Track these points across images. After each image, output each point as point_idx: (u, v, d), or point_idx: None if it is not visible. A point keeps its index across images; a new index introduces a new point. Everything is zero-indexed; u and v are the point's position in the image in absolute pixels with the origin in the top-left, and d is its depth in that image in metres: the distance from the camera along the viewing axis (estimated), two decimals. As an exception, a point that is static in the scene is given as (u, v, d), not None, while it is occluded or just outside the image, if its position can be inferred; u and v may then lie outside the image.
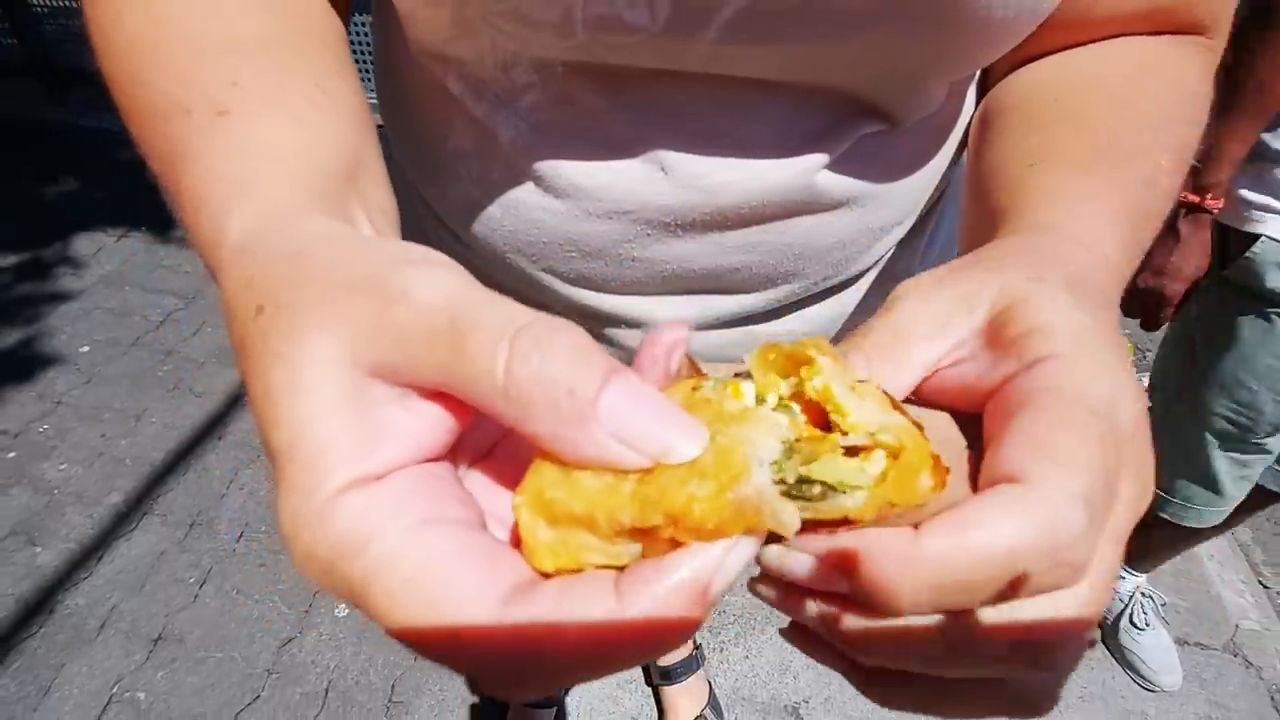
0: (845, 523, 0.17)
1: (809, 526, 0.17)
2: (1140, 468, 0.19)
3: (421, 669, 1.37)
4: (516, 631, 0.16)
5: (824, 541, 0.18)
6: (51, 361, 1.98)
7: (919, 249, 0.51)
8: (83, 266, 2.35)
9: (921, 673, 0.19)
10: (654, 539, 0.16)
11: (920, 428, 0.18)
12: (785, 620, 0.22)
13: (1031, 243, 0.25)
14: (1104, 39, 0.36)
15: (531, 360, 0.16)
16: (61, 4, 3.20)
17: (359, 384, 0.17)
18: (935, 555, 0.16)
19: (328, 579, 0.17)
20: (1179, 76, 0.34)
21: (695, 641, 1.38)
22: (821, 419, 0.18)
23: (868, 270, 0.47)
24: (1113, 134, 0.31)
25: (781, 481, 0.17)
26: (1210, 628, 1.50)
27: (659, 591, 0.16)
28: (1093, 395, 0.17)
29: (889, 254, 0.48)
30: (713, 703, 1.34)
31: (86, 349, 2.04)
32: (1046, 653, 0.18)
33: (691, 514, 0.16)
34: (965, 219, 0.36)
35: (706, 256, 0.41)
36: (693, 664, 1.34)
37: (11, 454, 1.72)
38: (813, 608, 0.19)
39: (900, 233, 0.46)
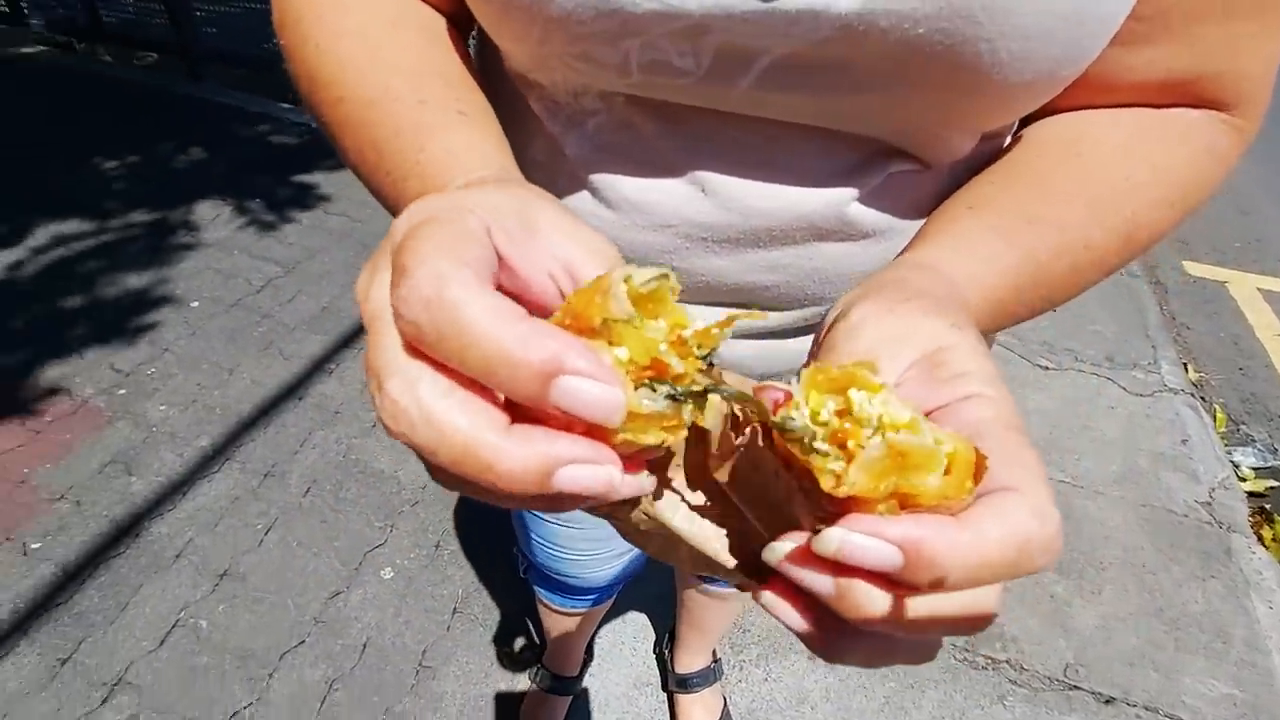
0: (849, 505, 0.20)
1: (846, 505, 0.20)
2: None
3: (452, 639, 1.44)
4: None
5: (877, 525, 0.19)
6: (165, 312, 2.19)
7: None
8: (200, 229, 2.58)
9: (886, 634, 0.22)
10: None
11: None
12: (802, 648, 0.24)
13: (934, 284, 0.30)
14: (1126, 104, 0.38)
15: None
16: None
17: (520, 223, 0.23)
18: (989, 540, 0.19)
19: (420, 219, 0.21)
20: (1165, 158, 0.37)
21: (715, 654, 1.39)
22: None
23: None
24: (1052, 204, 0.35)
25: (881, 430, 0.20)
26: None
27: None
28: (1016, 423, 0.23)
29: None
30: (726, 719, 1.35)
31: (196, 304, 2.23)
32: (977, 629, 0.21)
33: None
34: None
35: (738, 273, 0.44)
36: (710, 676, 1.35)
37: (122, 391, 1.91)
38: (825, 580, 0.20)
39: None
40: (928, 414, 0.23)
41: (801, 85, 0.34)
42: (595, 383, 0.18)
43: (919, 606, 0.20)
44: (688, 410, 0.20)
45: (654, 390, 0.20)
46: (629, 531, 0.33)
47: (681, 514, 0.28)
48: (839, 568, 0.20)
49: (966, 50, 0.31)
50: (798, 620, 0.23)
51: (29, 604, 1.43)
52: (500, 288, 0.22)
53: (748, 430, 0.26)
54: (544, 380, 0.17)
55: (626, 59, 0.35)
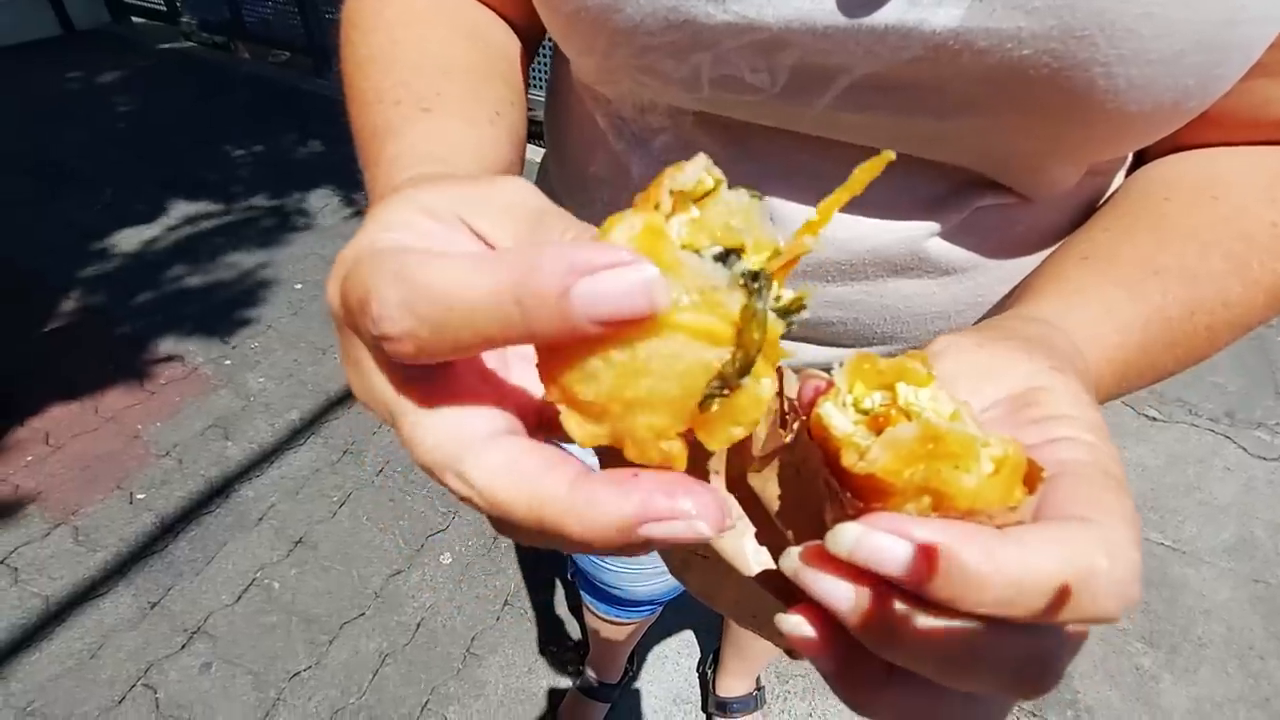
0: (876, 501, 0.18)
1: (871, 495, 0.18)
2: None
3: (500, 630, 1.47)
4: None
5: (901, 524, 0.17)
6: (272, 291, 2.35)
7: None
8: (311, 217, 2.76)
9: (921, 678, 0.19)
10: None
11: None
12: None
13: (1048, 335, 0.26)
14: (1265, 142, 0.34)
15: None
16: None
17: (446, 216, 0.21)
18: (1040, 562, 0.16)
19: (341, 277, 0.19)
20: None
21: (759, 682, 1.36)
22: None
23: None
24: (1185, 254, 0.31)
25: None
26: None
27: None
28: (1116, 472, 0.19)
29: None
30: (765, 748, 1.31)
31: (299, 286, 2.39)
32: (1033, 689, 0.18)
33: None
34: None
35: None
36: (751, 703, 1.32)
37: (228, 361, 2.06)
38: (849, 591, 0.18)
39: None
40: None
41: (884, 106, 0.32)
42: (616, 270, 0.14)
43: (956, 641, 0.17)
44: (735, 295, 0.16)
45: (700, 254, 0.16)
46: (674, 564, 0.32)
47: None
48: (863, 579, 0.17)
49: (1078, 75, 0.27)
50: (820, 650, 0.19)
51: (130, 549, 1.56)
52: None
53: (796, 425, 0.23)
54: (562, 297, 0.14)
55: (697, 73, 0.33)
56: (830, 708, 1.40)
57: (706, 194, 0.18)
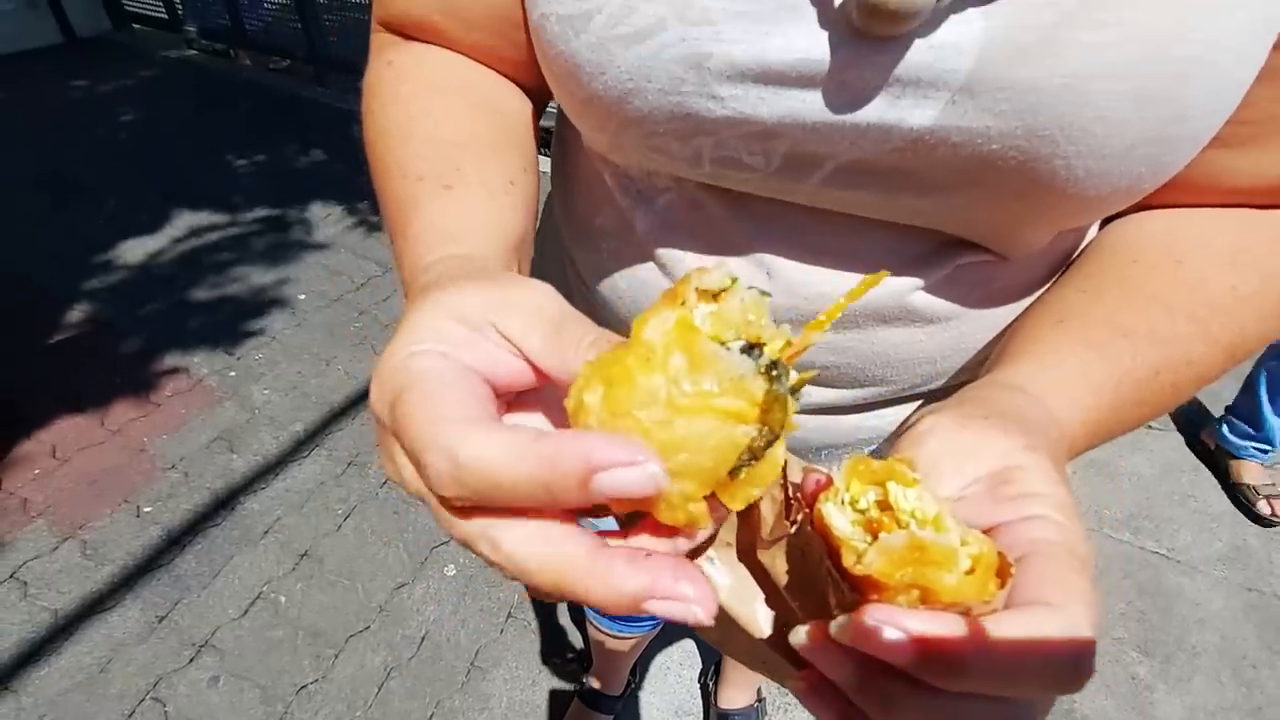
0: (871, 593, 0.21)
1: (867, 590, 0.21)
2: None
3: (504, 642, 1.49)
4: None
5: (895, 616, 0.19)
6: (275, 302, 2.37)
7: None
8: (314, 227, 2.78)
9: None
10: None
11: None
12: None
13: (1022, 408, 0.29)
14: (1226, 204, 0.36)
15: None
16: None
17: (476, 321, 0.23)
18: (1004, 645, 0.19)
19: (382, 391, 0.22)
20: (1271, 265, 0.35)
21: (760, 694, 1.37)
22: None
23: (957, 384, 0.48)
24: (1151, 317, 0.34)
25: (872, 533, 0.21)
26: None
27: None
28: (1082, 553, 0.22)
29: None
30: (765, 760, 1.33)
31: (303, 297, 2.41)
32: None
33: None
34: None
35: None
36: (752, 715, 1.34)
37: (232, 373, 2.08)
38: (850, 669, 0.21)
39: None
40: (987, 530, 0.24)
41: (868, 186, 0.35)
42: (628, 468, 0.18)
43: (944, 708, 0.20)
44: (759, 382, 0.19)
45: (727, 347, 0.20)
46: None
47: (726, 589, 0.29)
48: (863, 659, 0.20)
49: (1041, 166, 0.30)
50: (826, 714, 0.23)
51: (137, 562, 1.58)
52: (517, 394, 0.24)
53: (799, 516, 0.26)
54: (583, 486, 0.18)
55: (699, 154, 0.36)
56: (830, 718, 1.42)
57: (722, 290, 0.21)
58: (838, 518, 0.22)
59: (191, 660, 1.42)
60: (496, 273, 0.29)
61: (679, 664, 1.52)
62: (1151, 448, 2.05)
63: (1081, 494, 1.87)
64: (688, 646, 1.55)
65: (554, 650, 1.50)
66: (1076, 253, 0.45)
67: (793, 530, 0.26)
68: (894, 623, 0.19)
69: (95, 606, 1.49)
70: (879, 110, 0.30)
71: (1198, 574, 1.71)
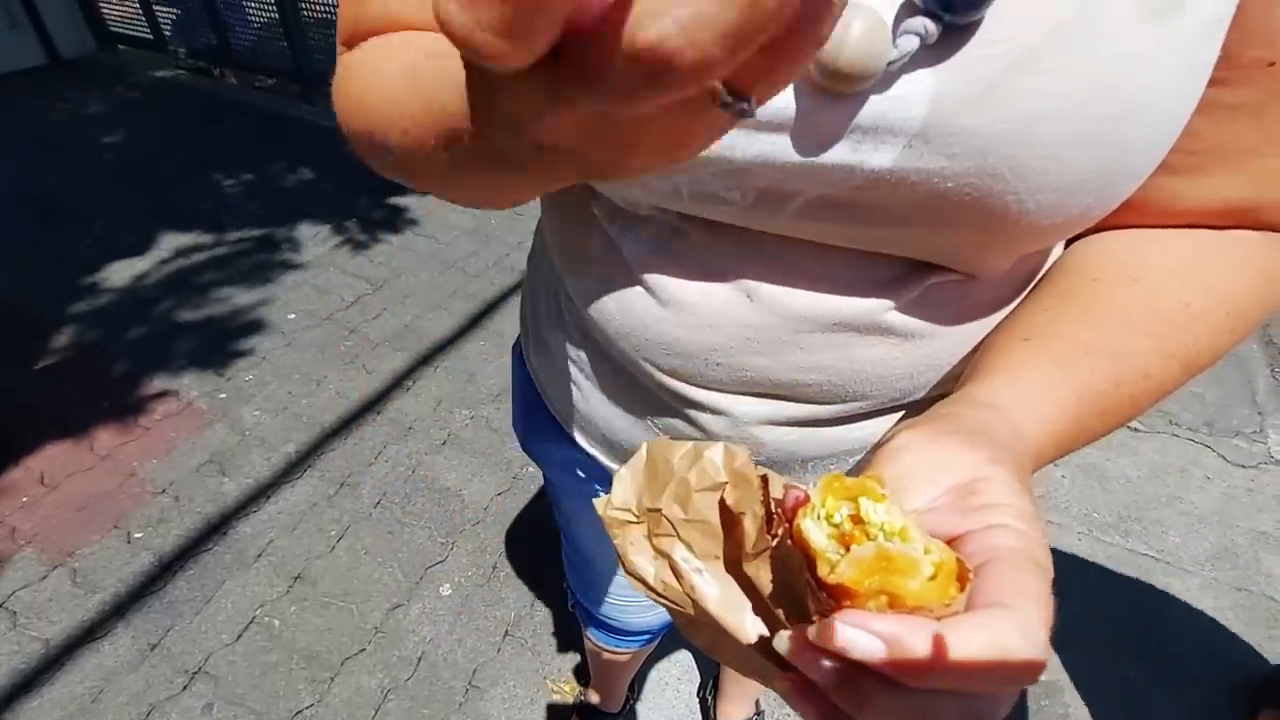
0: (844, 600, 0.23)
1: (840, 600, 0.23)
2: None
3: (502, 661, 1.49)
4: None
5: (865, 620, 0.22)
6: (265, 323, 2.36)
7: None
8: (302, 246, 2.77)
9: None
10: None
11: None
12: None
13: (989, 423, 0.31)
14: (1181, 226, 0.39)
15: None
16: (322, 16, 3.79)
17: None
18: (968, 645, 0.21)
19: None
20: (1225, 283, 0.37)
21: (758, 705, 1.38)
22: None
23: (934, 397, 0.50)
24: (1110, 333, 0.36)
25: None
26: None
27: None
28: (1040, 559, 0.24)
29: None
30: (765, 772, 1.33)
31: (293, 316, 2.40)
32: None
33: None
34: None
35: (781, 371, 0.46)
36: (751, 728, 1.34)
37: (222, 395, 2.07)
38: (829, 670, 0.23)
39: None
40: (951, 540, 0.26)
41: (837, 219, 0.37)
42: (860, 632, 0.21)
43: (914, 704, 0.22)
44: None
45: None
46: (682, 622, 0.37)
47: (715, 599, 0.32)
48: (840, 660, 0.22)
49: (994, 202, 0.32)
50: (810, 712, 0.24)
51: (129, 589, 1.57)
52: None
53: (780, 530, 0.28)
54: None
55: (678, 189, 0.38)
56: (828, 729, 1.42)
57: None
58: (815, 532, 0.24)
59: (185, 688, 1.41)
60: None
61: (677, 679, 1.52)
62: (1138, 449, 2.08)
63: (1071, 498, 1.90)
64: (686, 661, 1.55)
65: (552, 668, 1.50)
66: (1042, 271, 0.47)
67: (774, 544, 0.29)
68: (864, 626, 0.21)
69: (86, 635, 1.48)
70: (843, 153, 0.33)
71: (1187, 575, 1.73)
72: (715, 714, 1.37)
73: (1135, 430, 2.16)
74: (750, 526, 0.30)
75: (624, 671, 1.24)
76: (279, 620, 1.53)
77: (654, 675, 1.52)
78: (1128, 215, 0.38)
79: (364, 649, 1.49)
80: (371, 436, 1.97)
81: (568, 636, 1.55)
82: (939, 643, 0.21)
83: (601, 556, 0.83)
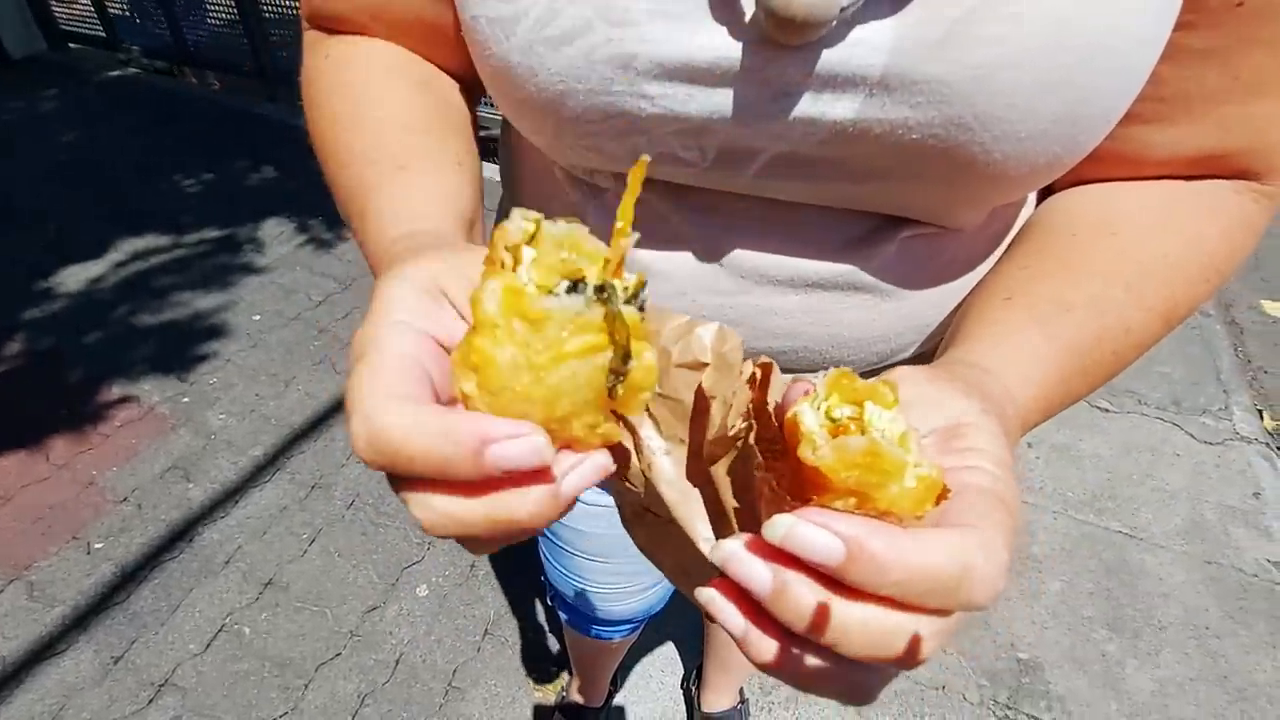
0: (809, 495, 0.22)
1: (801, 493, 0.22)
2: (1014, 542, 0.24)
3: (482, 661, 1.46)
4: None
5: (826, 518, 0.20)
6: (228, 324, 2.30)
7: None
8: (267, 246, 2.70)
9: (813, 647, 0.22)
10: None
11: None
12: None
13: (985, 382, 0.31)
14: (1154, 177, 0.38)
15: None
16: (284, 13, 3.71)
17: (435, 290, 0.25)
18: (931, 554, 0.20)
19: (354, 350, 0.23)
20: (1198, 232, 0.37)
21: (742, 694, 1.37)
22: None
23: (913, 360, 0.49)
24: (1091, 289, 0.36)
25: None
26: None
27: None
28: (1009, 501, 0.23)
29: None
30: (751, 761, 1.32)
31: (258, 317, 2.34)
32: (908, 662, 0.22)
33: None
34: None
35: (756, 338, 0.44)
36: (736, 716, 1.33)
37: (185, 399, 2.01)
38: (764, 574, 0.21)
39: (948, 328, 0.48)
40: None
41: (802, 176, 0.35)
42: (515, 441, 0.20)
43: (850, 616, 0.20)
44: (595, 310, 0.20)
45: (554, 292, 0.20)
46: (626, 515, 0.36)
47: (668, 483, 0.31)
48: (783, 559, 0.21)
49: (960, 152, 0.31)
50: (735, 619, 0.23)
51: (89, 601, 1.51)
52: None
53: (740, 423, 0.28)
54: (476, 460, 0.20)
55: (636, 151, 0.36)
56: (814, 713, 1.41)
57: (533, 235, 0.21)
58: (808, 416, 0.23)
59: (151, 701, 1.36)
60: (456, 244, 0.30)
61: (660, 671, 1.50)
62: (1109, 429, 2.11)
63: (1045, 478, 1.92)
64: (668, 654, 1.53)
65: (534, 665, 1.47)
66: (1016, 225, 0.46)
67: (730, 433, 0.28)
68: (824, 524, 0.20)
69: (45, 651, 1.42)
70: (803, 106, 0.32)
71: (1159, 550, 1.76)
72: (700, 704, 1.35)
73: (1105, 410, 2.19)
74: (716, 413, 0.29)
75: (606, 664, 1.22)
76: (249, 628, 1.48)
77: (637, 668, 1.50)
78: (1099, 168, 0.38)
79: (339, 654, 1.45)
80: (343, 437, 1.92)
81: (549, 632, 1.52)
82: (901, 546, 0.20)
83: (580, 545, 0.81)
